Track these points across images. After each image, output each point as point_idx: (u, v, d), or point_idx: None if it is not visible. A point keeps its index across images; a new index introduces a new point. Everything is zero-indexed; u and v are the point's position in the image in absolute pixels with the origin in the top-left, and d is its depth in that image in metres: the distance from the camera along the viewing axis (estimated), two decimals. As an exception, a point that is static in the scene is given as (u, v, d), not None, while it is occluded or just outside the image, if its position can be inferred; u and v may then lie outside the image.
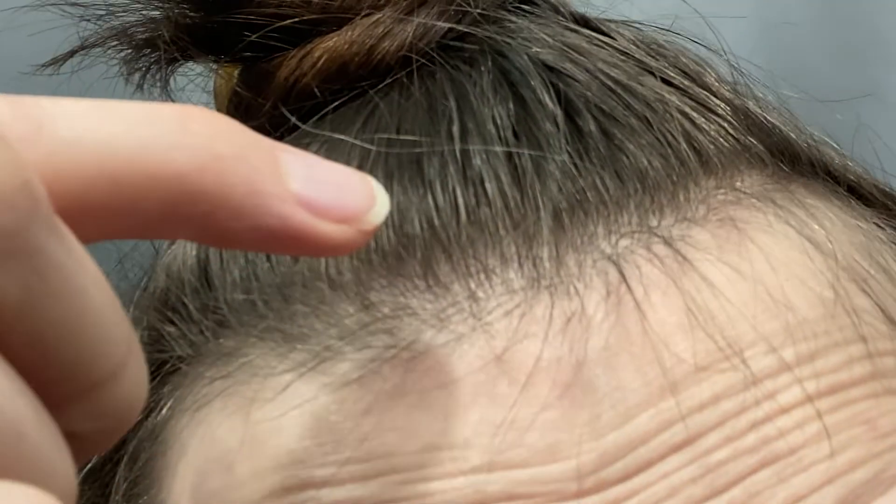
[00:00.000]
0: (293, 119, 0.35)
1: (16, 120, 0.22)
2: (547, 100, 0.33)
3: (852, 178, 0.36)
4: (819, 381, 0.30)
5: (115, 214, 0.23)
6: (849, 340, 0.31)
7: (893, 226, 0.36)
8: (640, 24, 0.38)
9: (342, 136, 0.34)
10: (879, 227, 0.35)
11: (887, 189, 0.37)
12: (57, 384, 0.22)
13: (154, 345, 0.35)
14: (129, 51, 0.38)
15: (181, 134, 0.24)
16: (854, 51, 0.71)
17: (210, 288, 0.34)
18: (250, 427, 0.31)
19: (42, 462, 0.21)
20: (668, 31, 0.38)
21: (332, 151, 0.33)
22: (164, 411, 0.35)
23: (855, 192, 0.36)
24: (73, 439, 0.22)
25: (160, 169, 0.23)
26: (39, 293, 0.21)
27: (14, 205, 0.20)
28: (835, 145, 0.37)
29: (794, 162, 0.35)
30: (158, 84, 0.38)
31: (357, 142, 0.33)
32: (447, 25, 0.35)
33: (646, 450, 0.29)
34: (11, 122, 0.22)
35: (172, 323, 0.34)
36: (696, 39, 0.37)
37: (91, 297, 0.22)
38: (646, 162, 0.32)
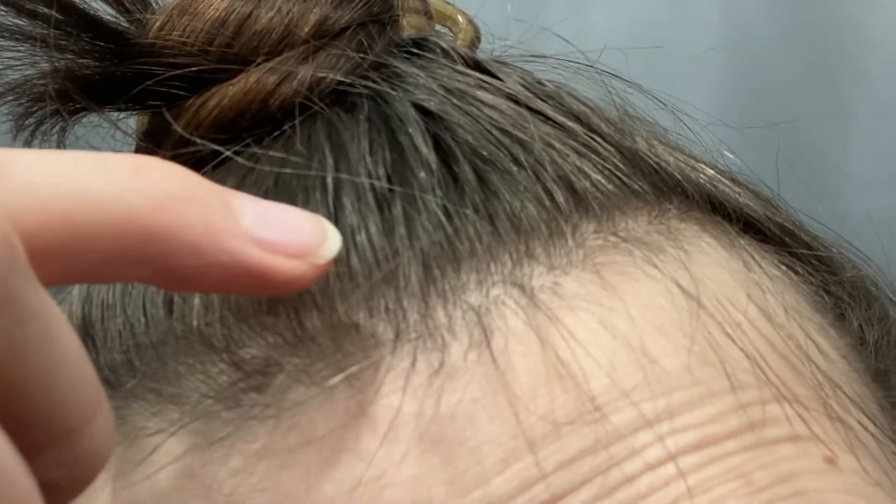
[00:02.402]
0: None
1: None
2: (423, 147, 0.32)
3: (749, 214, 0.35)
4: (682, 436, 0.29)
5: (71, 256, 0.24)
6: (718, 392, 0.30)
7: (790, 262, 0.35)
8: (560, 57, 0.38)
9: None
10: (773, 263, 0.34)
11: (787, 225, 0.36)
12: (33, 431, 0.22)
13: None
14: (27, 105, 0.37)
15: (134, 177, 0.25)
16: (821, 69, 0.71)
17: (94, 348, 0.33)
18: (123, 492, 0.31)
19: None
20: (584, 63, 0.38)
21: None
22: None
23: (752, 227, 0.35)
24: (45, 488, 0.22)
25: (113, 209, 0.24)
26: (20, 340, 0.21)
27: None
28: (730, 182, 0.36)
29: (682, 200, 0.34)
30: (55, 136, 0.38)
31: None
32: (340, 77, 0.35)
33: None
34: None
35: None
36: (592, 64, 0.37)
37: (64, 344, 0.22)
38: (520, 208, 0.31)
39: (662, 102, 0.40)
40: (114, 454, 0.32)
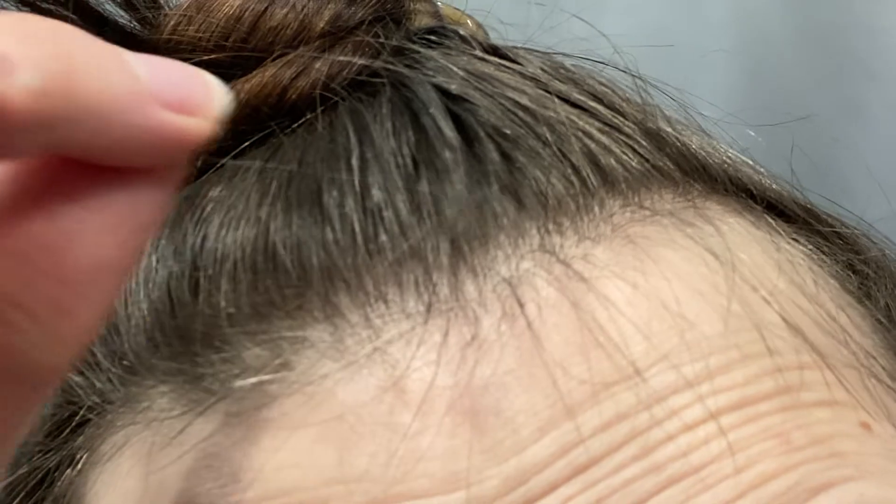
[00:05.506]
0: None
1: None
2: (446, 128, 0.32)
3: (772, 195, 0.35)
4: (722, 396, 0.29)
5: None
6: (754, 354, 0.30)
7: (816, 242, 0.35)
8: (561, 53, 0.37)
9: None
10: (799, 242, 0.34)
11: (809, 206, 0.36)
12: None
13: (64, 395, 0.34)
14: None
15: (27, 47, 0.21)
16: (834, 70, 0.71)
17: (117, 334, 0.33)
18: (152, 475, 0.31)
19: None
20: (596, 60, 0.37)
21: (234, 189, 0.33)
22: (79, 465, 0.34)
23: (775, 208, 0.35)
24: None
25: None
26: None
27: None
28: (752, 163, 0.36)
29: (707, 180, 0.34)
30: None
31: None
32: (359, 62, 0.35)
33: (549, 473, 0.28)
34: None
35: (80, 373, 0.34)
36: (605, 62, 0.37)
37: None
38: (546, 184, 0.31)
39: (672, 98, 0.39)
40: (140, 437, 0.32)
